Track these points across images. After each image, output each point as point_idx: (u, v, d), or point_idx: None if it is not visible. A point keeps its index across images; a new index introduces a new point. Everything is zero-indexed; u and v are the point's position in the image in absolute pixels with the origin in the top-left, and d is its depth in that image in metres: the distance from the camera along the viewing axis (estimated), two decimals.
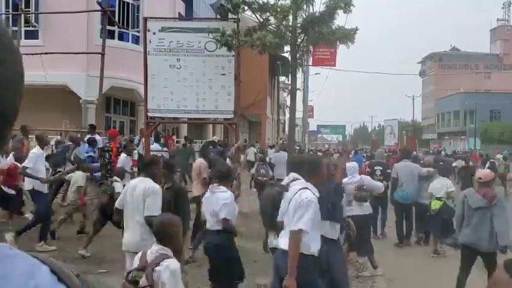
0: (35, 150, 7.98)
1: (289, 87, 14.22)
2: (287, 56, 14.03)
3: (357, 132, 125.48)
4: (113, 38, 17.24)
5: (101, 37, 15.04)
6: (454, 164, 18.64)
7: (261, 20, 11.30)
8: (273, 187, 5.20)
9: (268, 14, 11.16)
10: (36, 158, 7.78)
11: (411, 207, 9.49)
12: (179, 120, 15.41)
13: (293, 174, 4.14)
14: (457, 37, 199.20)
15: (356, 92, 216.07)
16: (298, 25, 11.07)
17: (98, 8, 14.96)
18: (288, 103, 16.05)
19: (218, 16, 23.36)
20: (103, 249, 7.70)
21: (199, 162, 9.09)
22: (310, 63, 27.26)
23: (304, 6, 11.63)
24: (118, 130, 14.05)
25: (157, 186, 4.95)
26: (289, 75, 13.83)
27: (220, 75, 11.59)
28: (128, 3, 17.95)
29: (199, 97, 11.67)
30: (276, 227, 4.36)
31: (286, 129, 41.45)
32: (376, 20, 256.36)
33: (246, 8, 11.73)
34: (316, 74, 36.44)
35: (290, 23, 11.07)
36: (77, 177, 8.86)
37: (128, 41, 18.14)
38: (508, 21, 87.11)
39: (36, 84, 15.33)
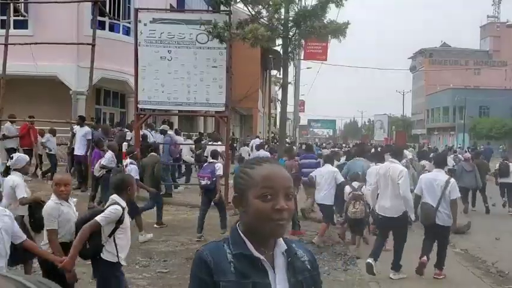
0: None
1: (281, 80, 14.23)
2: (279, 50, 14.04)
3: (348, 127, 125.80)
4: (104, 29, 17.07)
5: (91, 28, 14.90)
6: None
7: (253, 12, 11.28)
8: None
9: (260, 6, 11.14)
10: None
11: None
12: (170, 113, 15.38)
13: None
14: (447, 33, 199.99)
15: (346, 86, 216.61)
16: (291, 18, 11.06)
17: None
18: (280, 97, 16.08)
19: (210, 8, 23.24)
20: None
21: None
22: (302, 57, 27.29)
23: (297, 0, 11.62)
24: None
25: None
26: (281, 69, 13.84)
27: (212, 67, 11.57)
28: None
29: (190, 89, 11.65)
30: None
31: (278, 123, 41.52)
32: (368, 16, 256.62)
33: (238, 0, 11.71)
34: (308, 68, 36.51)
35: (282, 16, 11.05)
36: None
37: (119, 32, 17.98)
38: (498, 18, 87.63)
39: (26, 75, 15.20)
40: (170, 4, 20.47)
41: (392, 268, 6.79)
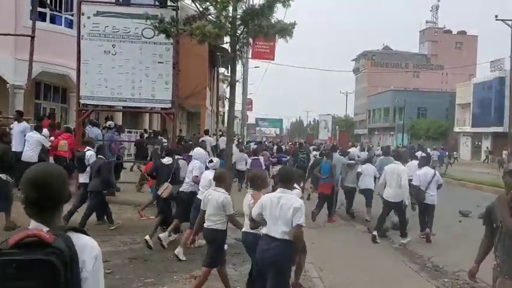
0: None
1: (229, 79, 14.21)
2: (227, 47, 13.99)
3: (294, 126, 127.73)
4: (44, 20, 16.35)
5: (31, 19, 14.24)
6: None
7: (201, 9, 11.18)
8: None
9: (208, 3, 11.04)
10: None
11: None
12: (114, 109, 14.96)
13: None
14: (389, 37, 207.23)
15: (293, 87, 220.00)
16: (238, 16, 11.05)
17: None
18: (228, 95, 16.03)
19: (156, 3, 22.81)
20: None
21: None
22: (250, 55, 27.40)
23: None
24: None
25: None
26: (229, 67, 13.81)
27: (158, 63, 11.39)
28: None
29: (135, 85, 11.41)
30: None
31: (226, 121, 41.41)
32: (315, 18, 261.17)
33: None
34: (255, 67, 36.72)
35: (230, 14, 11.02)
36: None
37: (61, 25, 17.27)
38: (436, 23, 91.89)
39: None
40: None
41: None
